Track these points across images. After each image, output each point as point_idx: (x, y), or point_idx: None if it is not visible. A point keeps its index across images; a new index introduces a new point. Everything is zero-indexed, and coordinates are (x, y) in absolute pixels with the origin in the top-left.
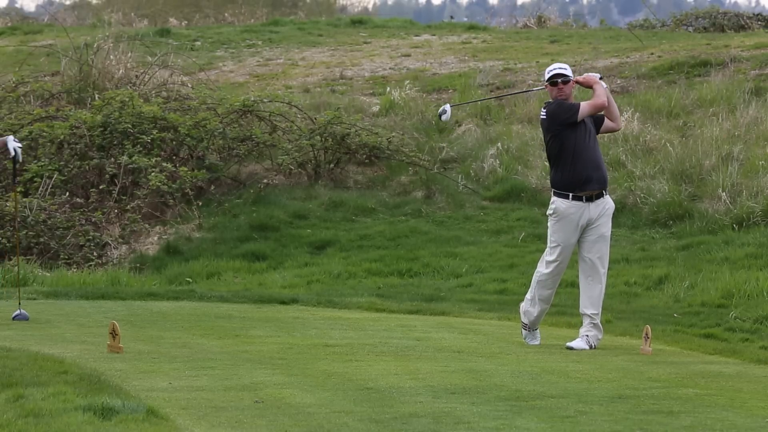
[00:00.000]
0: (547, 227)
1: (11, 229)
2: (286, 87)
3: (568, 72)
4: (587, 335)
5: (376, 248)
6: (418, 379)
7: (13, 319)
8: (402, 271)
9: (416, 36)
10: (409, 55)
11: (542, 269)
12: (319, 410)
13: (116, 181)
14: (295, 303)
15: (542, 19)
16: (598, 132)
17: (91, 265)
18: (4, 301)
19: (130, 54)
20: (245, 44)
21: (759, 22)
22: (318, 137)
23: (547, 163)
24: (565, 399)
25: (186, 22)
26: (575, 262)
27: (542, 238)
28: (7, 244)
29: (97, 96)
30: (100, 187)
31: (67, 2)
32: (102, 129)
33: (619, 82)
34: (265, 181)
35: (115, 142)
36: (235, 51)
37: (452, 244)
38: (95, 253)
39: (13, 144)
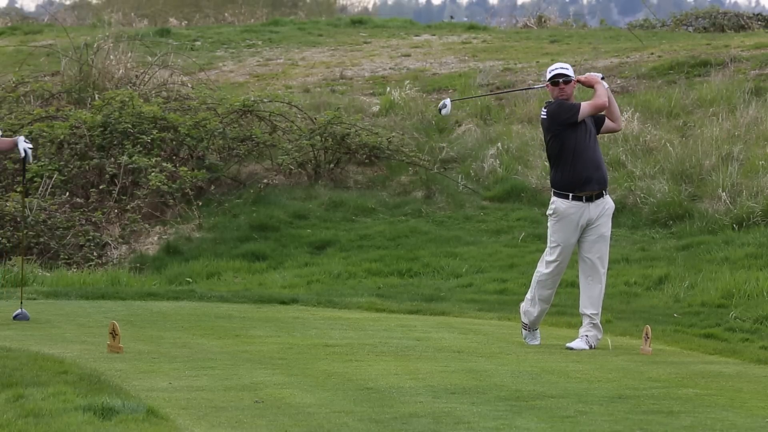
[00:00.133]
0: (547, 227)
1: (11, 229)
2: (286, 87)
3: (570, 72)
4: (587, 335)
5: (376, 248)
6: (418, 379)
7: (14, 318)
8: (402, 271)
9: (416, 36)
10: (409, 55)
11: (542, 269)
12: (319, 410)
13: (116, 181)
14: (295, 303)
15: (542, 19)
16: (598, 132)
17: (91, 265)
18: (5, 301)
19: (130, 54)
20: (245, 44)
21: (759, 22)
22: (318, 137)
23: (547, 163)
24: (565, 399)
25: (186, 22)
26: (575, 262)
27: (542, 238)
28: (7, 244)
29: (97, 96)
30: (100, 187)
31: (67, 2)
32: (102, 129)
33: (619, 82)
34: (265, 181)
35: (115, 142)
36: (235, 51)
37: (452, 244)
38: (95, 253)
39: (23, 145)
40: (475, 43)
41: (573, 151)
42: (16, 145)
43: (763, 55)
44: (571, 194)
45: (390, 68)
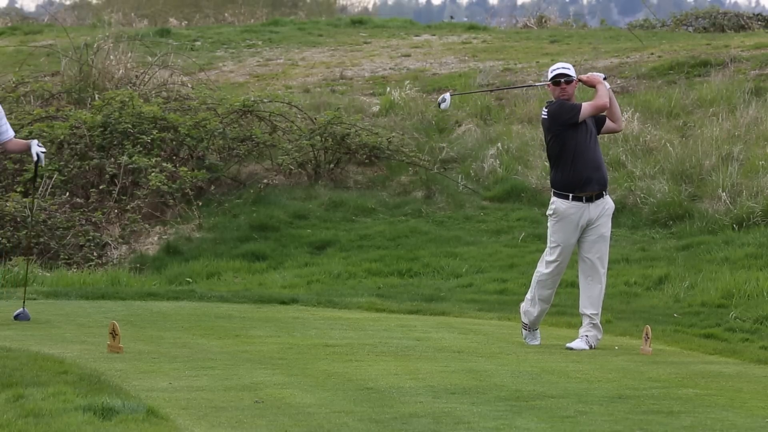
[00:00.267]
0: (546, 227)
1: (11, 229)
2: (286, 87)
3: (572, 72)
4: (587, 335)
5: (376, 248)
6: (418, 379)
7: (15, 317)
8: (402, 271)
9: (416, 36)
10: (409, 55)
11: (542, 269)
12: (319, 410)
13: (116, 181)
14: (295, 303)
15: (542, 19)
16: (599, 132)
17: (91, 265)
18: (5, 300)
19: (130, 54)
20: (245, 44)
21: (759, 22)
22: (318, 137)
23: (547, 163)
24: (565, 399)
25: (186, 22)
26: (575, 262)
27: (542, 238)
28: (7, 244)
29: (97, 96)
30: (100, 187)
31: (67, 2)
32: (102, 129)
33: (619, 82)
34: (265, 181)
35: (115, 142)
36: (235, 51)
37: (452, 244)
38: (95, 253)
39: (36, 149)
40: (475, 43)
41: (573, 151)
42: (29, 147)
43: (763, 55)
44: (571, 194)
45: (390, 68)
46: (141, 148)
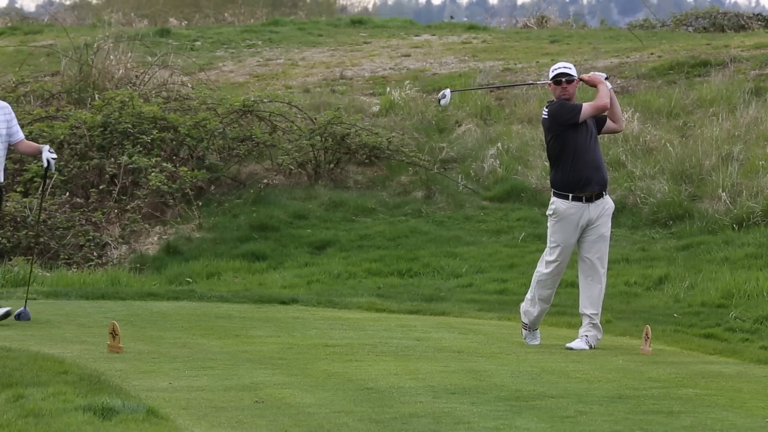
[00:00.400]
0: (546, 227)
1: (11, 229)
2: (286, 87)
3: (573, 71)
4: (586, 335)
5: (376, 248)
6: (418, 379)
7: (16, 317)
8: (402, 271)
9: (416, 36)
10: (409, 55)
11: (542, 269)
12: (319, 410)
13: (116, 181)
14: (295, 303)
15: (542, 19)
16: (600, 132)
17: (91, 265)
18: (5, 301)
19: (130, 54)
20: (245, 44)
21: (759, 22)
22: (318, 137)
23: (547, 163)
24: (565, 399)
25: (186, 22)
26: (575, 262)
27: (542, 238)
28: (7, 244)
29: (97, 96)
30: (100, 187)
31: (67, 2)
32: (102, 129)
33: (619, 82)
34: (265, 181)
35: (115, 142)
36: (235, 51)
37: (452, 244)
38: (95, 253)
39: (47, 155)
40: (475, 43)
41: (573, 151)
42: (40, 152)
43: (763, 55)
44: (571, 195)
45: (390, 68)
46: (141, 148)
